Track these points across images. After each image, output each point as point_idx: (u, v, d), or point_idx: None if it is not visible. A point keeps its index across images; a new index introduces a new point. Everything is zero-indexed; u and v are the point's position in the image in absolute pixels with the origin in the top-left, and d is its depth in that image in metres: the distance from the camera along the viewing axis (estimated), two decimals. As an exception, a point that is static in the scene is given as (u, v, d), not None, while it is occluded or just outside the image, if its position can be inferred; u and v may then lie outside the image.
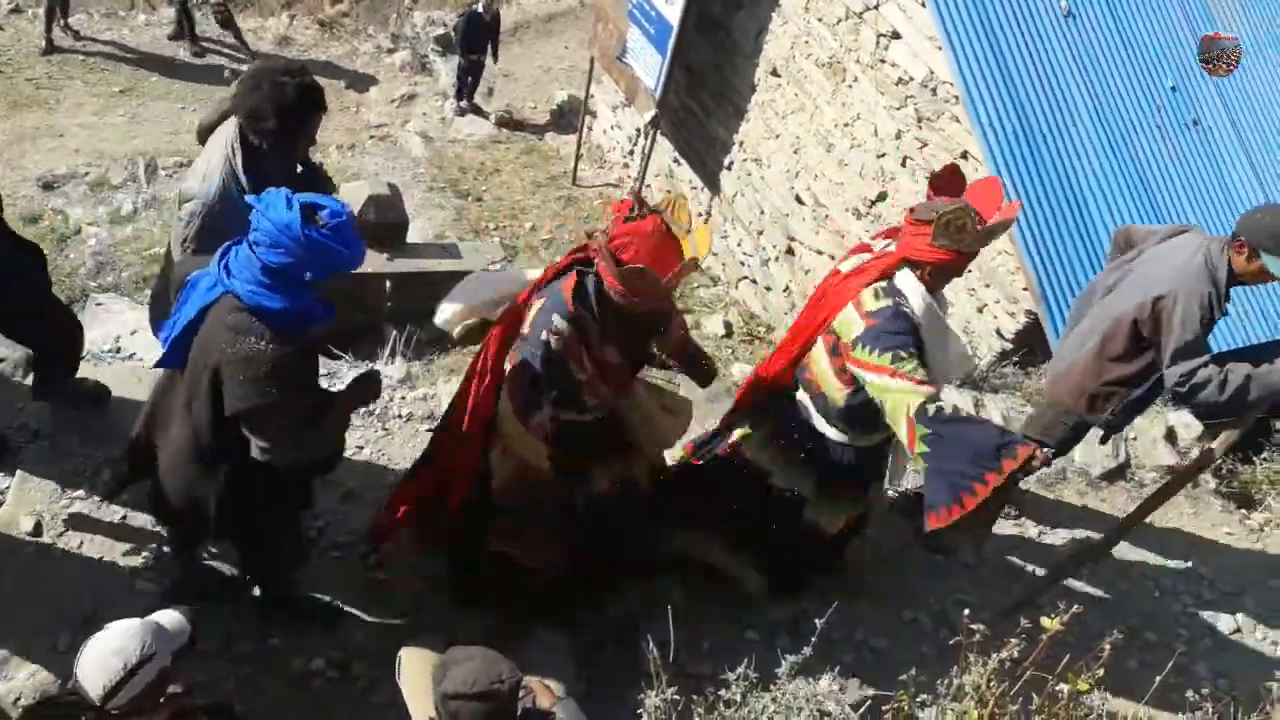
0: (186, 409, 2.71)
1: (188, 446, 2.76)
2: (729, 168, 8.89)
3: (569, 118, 11.59)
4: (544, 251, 9.23)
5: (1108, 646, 1.98)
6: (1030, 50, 6.38)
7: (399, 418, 4.59)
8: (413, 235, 7.84)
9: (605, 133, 11.21)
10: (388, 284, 6.51)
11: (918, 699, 2.09)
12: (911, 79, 6.58)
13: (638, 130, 10.17)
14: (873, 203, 7.16)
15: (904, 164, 6.87)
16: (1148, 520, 4.04)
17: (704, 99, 9.00)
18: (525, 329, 2.89)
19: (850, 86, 7.16)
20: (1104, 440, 4.45)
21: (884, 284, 2.92)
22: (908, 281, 2.92)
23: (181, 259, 3.23)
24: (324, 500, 3.85)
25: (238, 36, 11.47)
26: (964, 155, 6.35)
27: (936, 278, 2.95)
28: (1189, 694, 2.36)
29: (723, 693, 2.05)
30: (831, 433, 3.24)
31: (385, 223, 6.51)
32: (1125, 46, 6.75)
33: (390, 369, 5.14)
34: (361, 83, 12.01)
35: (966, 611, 2.02)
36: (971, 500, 2.49)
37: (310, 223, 2.43)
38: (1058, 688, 1.97)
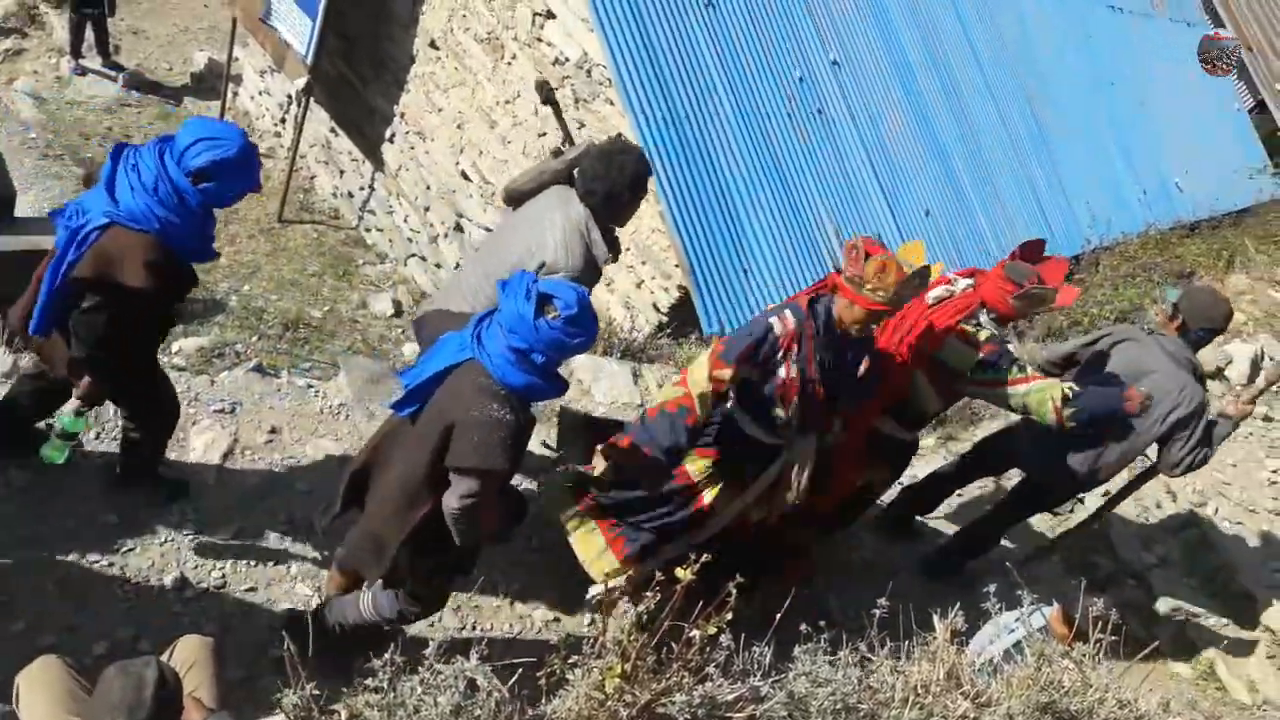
0: (410, 452, 2.90)
1: (397, 487, 2.95)
2: (391, 140, 8.62)
3: (211, 82, 10.67)
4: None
5: (733, 590, 2.16)
6: (676, 38, 6.71)
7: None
8: (25, 209, 7.00)
9: (253, 99, 10.46)
10: (-10, 265, 5.67)
11: (569, 661, 2.16)
12: (567, 59, 6.71)
13: (289, 97, 9.59)
14: (536, 180, 7.26)
15: (565, 144, 7.01)
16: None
17: (361, 68, 8.64)
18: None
19: (509, 64, 7.19)
20: None
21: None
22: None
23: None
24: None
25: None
26: (618, 138, 6.60)
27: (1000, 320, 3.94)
28: (820, 622, 2.61)
29: (369, 680, 2.01)
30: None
31: (-18, 194, 5.66)
32: (760, 39, 7.29)
33: None
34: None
35: (607, 572, 2.11)
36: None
37: (542, 313, 2.69)
38: (691, 634, 2.12)
